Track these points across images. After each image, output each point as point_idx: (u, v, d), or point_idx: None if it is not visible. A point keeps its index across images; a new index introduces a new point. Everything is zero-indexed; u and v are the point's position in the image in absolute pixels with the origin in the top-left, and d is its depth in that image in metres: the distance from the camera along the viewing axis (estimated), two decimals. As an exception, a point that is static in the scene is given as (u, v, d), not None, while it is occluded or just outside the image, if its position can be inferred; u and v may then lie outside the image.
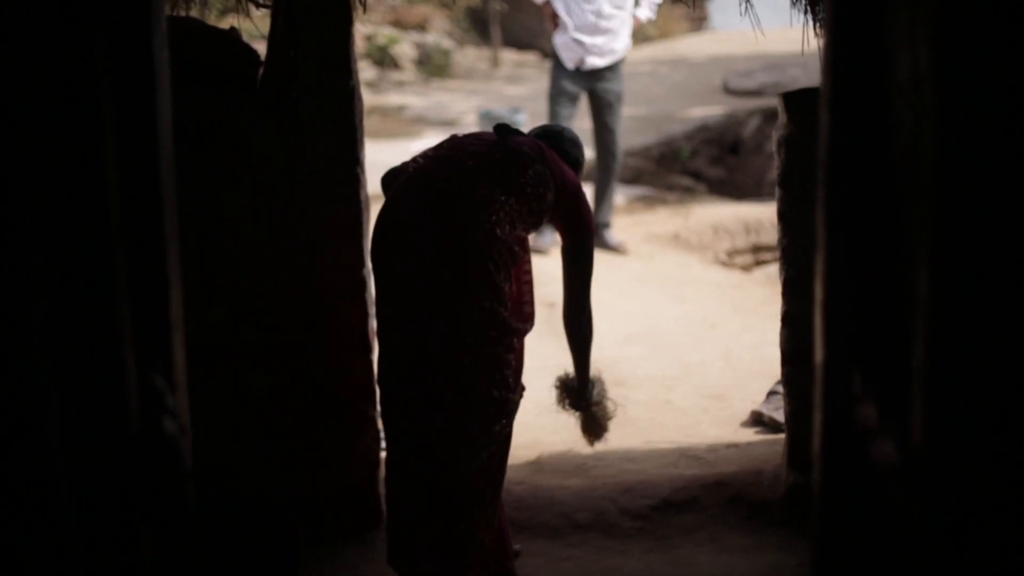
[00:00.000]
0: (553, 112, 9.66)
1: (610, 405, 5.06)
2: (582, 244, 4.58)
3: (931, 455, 1.82)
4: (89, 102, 1.79)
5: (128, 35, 1.92)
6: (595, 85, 9.56)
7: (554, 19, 9.60)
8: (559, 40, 9.57)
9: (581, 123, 10.31)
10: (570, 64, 9.50)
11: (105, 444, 1.86)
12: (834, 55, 2.18)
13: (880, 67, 2.09)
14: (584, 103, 9.79)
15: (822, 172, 2.26)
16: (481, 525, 4.23)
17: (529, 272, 4.54)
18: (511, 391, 4.34)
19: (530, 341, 7.57)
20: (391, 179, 4.30)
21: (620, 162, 9.83)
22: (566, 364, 7.20)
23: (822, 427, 2.32)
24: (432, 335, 4.09)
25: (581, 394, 5.04)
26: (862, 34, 2.14)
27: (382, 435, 4.45)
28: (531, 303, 4.55)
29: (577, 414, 5.10)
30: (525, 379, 6.72)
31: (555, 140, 4.55)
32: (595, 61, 9.44)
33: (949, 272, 1.79)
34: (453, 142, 4.34)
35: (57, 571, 1.88)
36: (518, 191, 4.19)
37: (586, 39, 9.42)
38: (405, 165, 4.30)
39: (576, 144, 4.63)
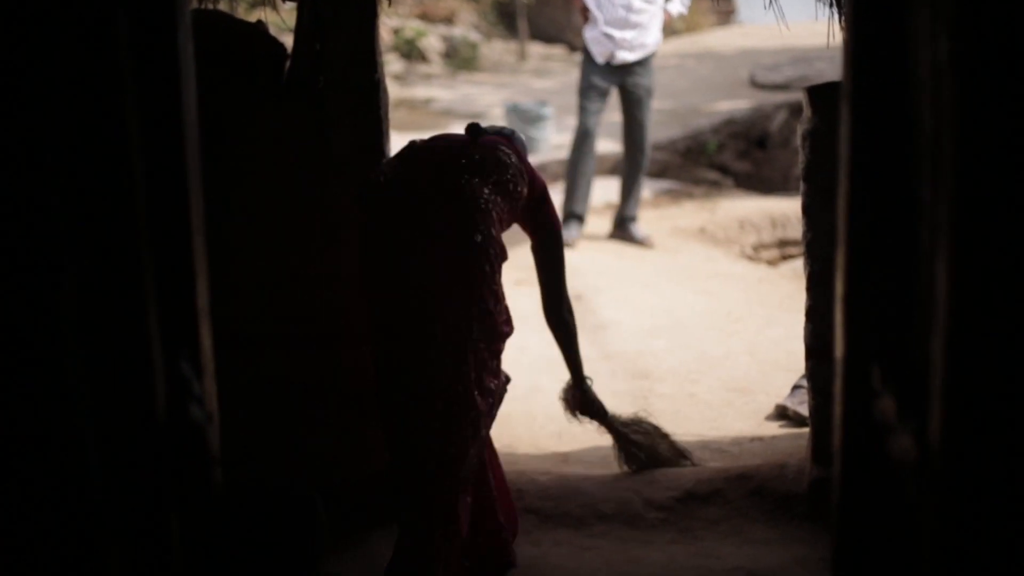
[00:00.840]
0: (582, 107, 9.66)
1: (650, 430, 5.28)
2: (553, 238, 4.66)
3: (948, 450, 1.83)
4: (114, 94, 1.81)
5: (153, 27, 1.94)
6: (625, 80, 9.54)
7: (584, 13, 9.60)
8: (589, 34, 9.57)
9: (610, 117, 10.31)
10: (600, 59, 9.49)
11: (133, 431, 1.89)
12: (855, 48, 2.19)
13: (901, 60, 2.09)
14: (614, 97, 9.78)
15: (843, 166, 2.27)
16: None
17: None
18: (490, 395, 4.34)
19: (555, 334, 7.62)
20: (365, 192, 4.29)
21: (648, 157, 9.83)
22: (592, 358, 7.24)
23: (842, 421, 2.33)
24: (429, 339, 4.11)
25: (580, 390, 5.12)
26: (883, 27, 2.14)
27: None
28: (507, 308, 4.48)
29: (593, 421, 5.22)
30: (551, 372, 6.75)
31: (510, 139, 4.56)
32: (625, 56, 9.43)
33: (967, 266, 1.79)
34: (423, 145, 4.34)
35: (87, 556, 1.91)
36: (503, 189, 4.22)
37: (616, 33, 9.41)
38: (375, 176, 4.29)
39: (524, 146, 4.65)
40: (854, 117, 2.21)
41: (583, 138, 9.65)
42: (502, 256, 4.23)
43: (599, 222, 10.02)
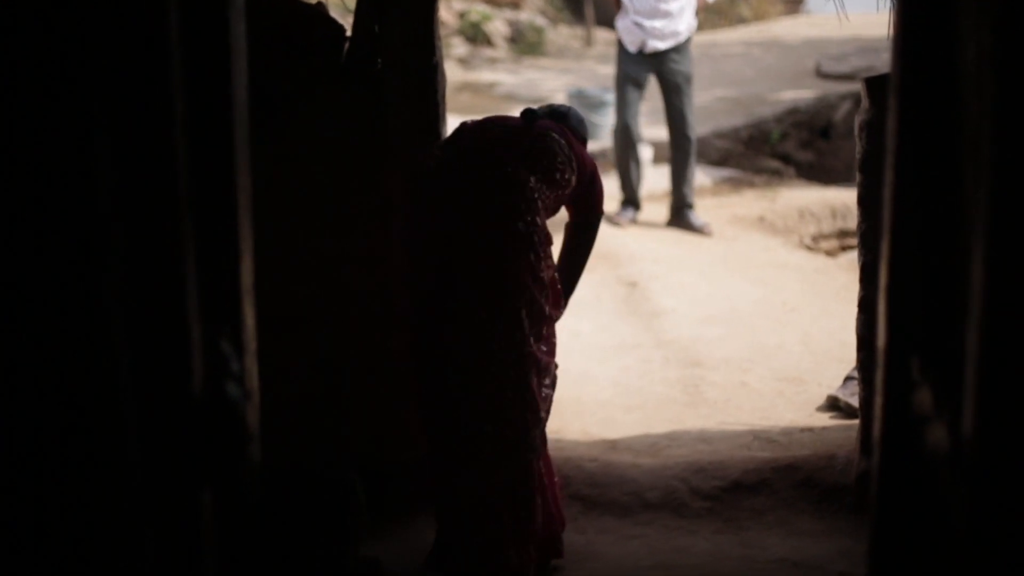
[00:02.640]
0: (619, 97, 9.65)
1: None
2: (593, 221, 4.61)
3: (980, 442, 1.83)
4: (161, 72, 1.84)
5: (203, 5, 1.97)
6: (660, 68, 9.50)
7: (617, 3, 9.58)
8: (621, 24, 9.56)
9: (652, 104, 10.27)
10: (632, 48, 9.48)
11: (169, 406, 1.92)
12: (903, 41, 2.18)
13: (948, 54, 2.09)
14: (654, 86, 9.75)
15: (890, 157, 2.27)
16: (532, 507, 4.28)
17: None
18: (544, 389, 4.34)
19: (607, 320, 7.66)
20: (416, 178, 4.33)
21: (694, 142, 9.75)
22: (645, 344, 7.25)
23: (882, 412, 2.33)
24: (474, 326, 4.13)
25: None
26: (931, 20, 2.14)
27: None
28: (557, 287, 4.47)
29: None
30: (602, 359, 6.76)
31: (565, 120, 4.55)
32: (656, 44, 9.39)
33: (1003, 258, 1.79)
34: (476, 129, 4.35)
35: (123, 530, 1.94)
36: (550, 178, 4.23)
37: (646, 22, 9.38)
38: (426, 161, 4.32)
39: (582, 123, 4.62)
40: (901, 110, 2.21)
41: (622, 132, 9.65)
42: (546, 243, 4.24)
43: (658, 209, 10.01)
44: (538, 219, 4.16)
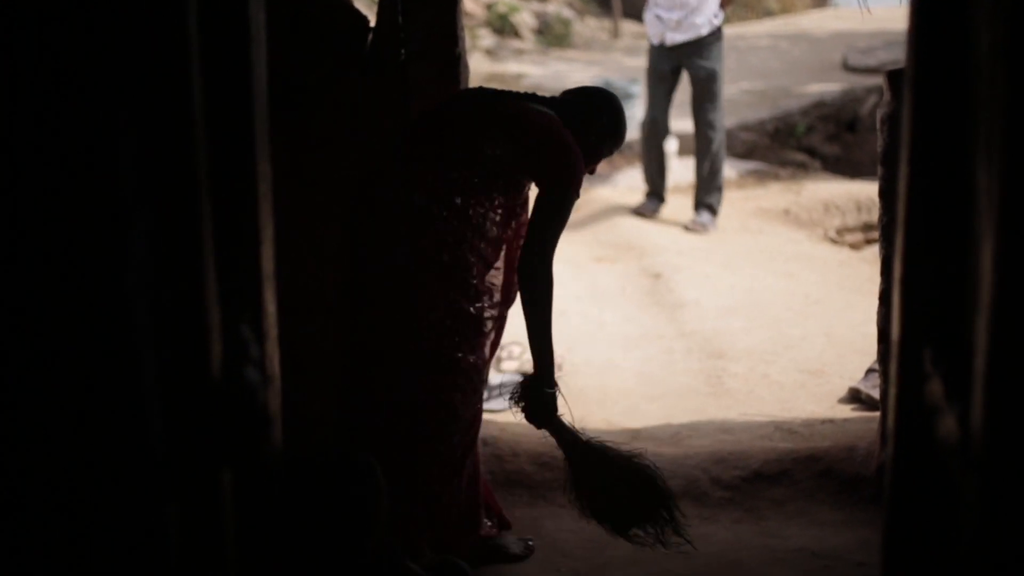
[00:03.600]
0: (648, 89, 9.65)
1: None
2: (559, 199, 4.13)
3: (989, 433, 1.85)
4: (181, 59, 1.87)
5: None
6: (684, 62, 9.46)
7: None
8: (646, 16, 9.57)
9: (680, 97, 10.26)
10: (654, 40, 9.49)
11: (189, 389, 1.95)
12: (917, 34, 2.20)
13: (963, 47, 2.11)
14: (686, 81, 9.72)
15: (905, 150, 2.29)
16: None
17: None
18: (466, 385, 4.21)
19: (631, 311, 7.69)
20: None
21: (719, 143, 9.60)
22: (668, 336, 7.27)
23: (896, 403, 2.35)
24: (402, 332, 4.11)
25: (538, 388, 4.28)
26: (946, 12, 2.16)
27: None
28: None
29: (540, 428, 4.38)
30: (626, 348, 6.78)
31: (584, 99, 4.41)
32: (674, 36, 9.36)
33: (1012, 250, 1.81)
34: (432, 119, 4.30)
35: (145, 509, 1.97)
36: (492, 183, 4.13)
37: (664, 14, 9.37)
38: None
39: (605, 110, 4.40)
40: (915, 102, 2.23)
41: (649, 126, 9.65)
42: (471, 240, 4.13)
43: (685, 202, 10.02)
44: (460, 250, 4.09)
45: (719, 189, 9.67)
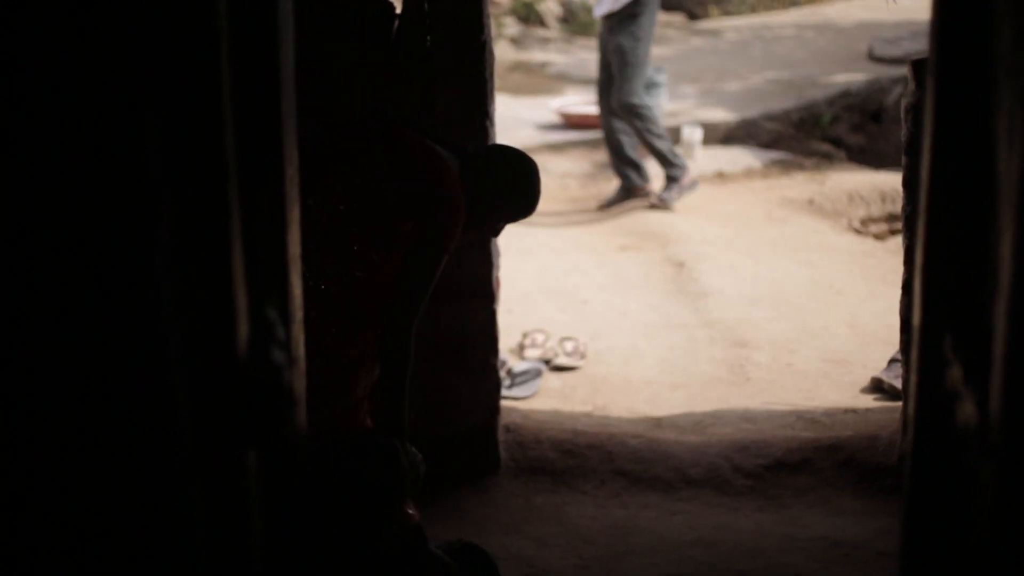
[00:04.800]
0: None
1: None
2: (432, 255, 3.88)
3: (1007, 419, 1.86)
4: (210, 45, 1.89)
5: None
6: (606, 35, 9.43)
7: None
8: None
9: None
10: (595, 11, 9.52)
11: (216, 371, 1.98)
12: (940, 23, 2.21)
13: (986, 35, 2.11)
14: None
15: (927, 139, 2.30)
16: None
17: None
18: None
19: (655, 299, 7.71)
20: None
21: (636, 117, 9.39)
22: (691, 324, 7.29)
23: (916, 389, 2.36)
24: None
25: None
26: (969, 1, 2.16)
27: (503, 383, 4.50)
28: None
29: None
30: (649, 337, 6.77)
31: (495, 158, 4.17)
32: (598, 9, 9.36)
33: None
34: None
35: (171, 489, 2.00)
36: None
37: None
38: None
39: (510, 174, 4.13)
40: (938, 91, 2.24)
41: (600, 103, 9.70)
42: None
43: (711, 190, 10.03)
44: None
45: (631, 164, 9.65)
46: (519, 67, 14.75)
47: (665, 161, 9.50)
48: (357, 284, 3.77)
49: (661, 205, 9.47)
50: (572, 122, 11.76)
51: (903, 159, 4.86)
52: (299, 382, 2.23)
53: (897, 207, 9.71)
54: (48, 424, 1.97)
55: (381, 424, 3.80)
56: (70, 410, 1.97)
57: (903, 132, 4.85)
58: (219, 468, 2.03)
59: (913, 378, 2.38)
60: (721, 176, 10.52)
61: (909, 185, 4.77)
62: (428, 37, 4.71)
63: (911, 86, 4.74)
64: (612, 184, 10.07)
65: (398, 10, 4.76)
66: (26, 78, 1.85)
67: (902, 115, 4.85)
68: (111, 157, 1.88)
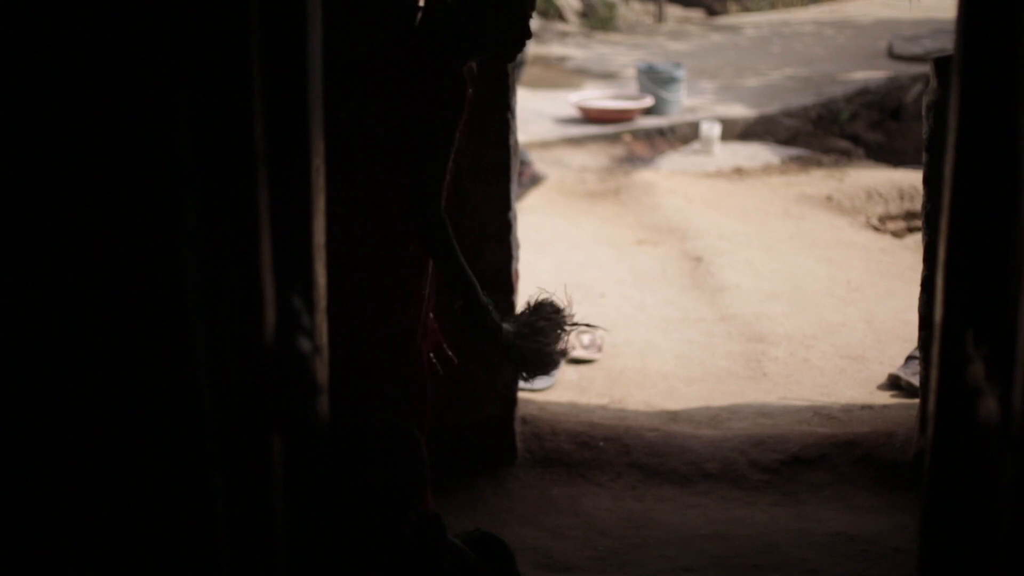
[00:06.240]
0: None
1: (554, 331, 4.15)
2: (441, 129, 4.04)
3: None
4: (240, 35, 1.91)
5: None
6: None
7: None
8: None
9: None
10: None
11: (243, 358, 1.99)
12: (966, 20, 2.22)
13: (1012, 34, 2.12)
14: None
15: (951, 136, 2.30)
16: None
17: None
18: None
19: (672, 294, 7.72)
20: None
21: None
22: (708, 319, 7.29)
23: (937, 385, 2.37)
24: None
25: (474, 315, 4.13)
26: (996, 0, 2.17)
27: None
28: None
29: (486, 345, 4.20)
30: (666, 331, 6.78)
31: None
32: None
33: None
34: None
35: (196, 473, 2.02)
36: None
37: None
38: None
39: None
40: (963, 89, 2.24)
41: None
42: None
43: (729, 185, 10.02)
44: None
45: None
46: (538, 61, 14.73)
47: None
48: (392, 191, 4.03)
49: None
50: (590, 116, 11.76)
51: (923, 156, 4.86)
52: (323, 369, 2.25)
53: (915, 204, 9.70)
54: (77, 409, 1.99)
55: (451, 290, 4.11)
56: (98, 396, 1.99)
57: (924, 129, 4.85)
58: (244, 454, 2.05)
59: (934, 373, 2.39)
60: (739, 172, 10.51)
61: (930, 182, 4.77)
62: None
63: (933, 84, 4.74)
64: (630, 178, 10.06)
65: (420, 2, 4.76)
66: (60, 70, 1.87)
67: (923, 113, 4.85)
68: (142, 146, 1.90)
